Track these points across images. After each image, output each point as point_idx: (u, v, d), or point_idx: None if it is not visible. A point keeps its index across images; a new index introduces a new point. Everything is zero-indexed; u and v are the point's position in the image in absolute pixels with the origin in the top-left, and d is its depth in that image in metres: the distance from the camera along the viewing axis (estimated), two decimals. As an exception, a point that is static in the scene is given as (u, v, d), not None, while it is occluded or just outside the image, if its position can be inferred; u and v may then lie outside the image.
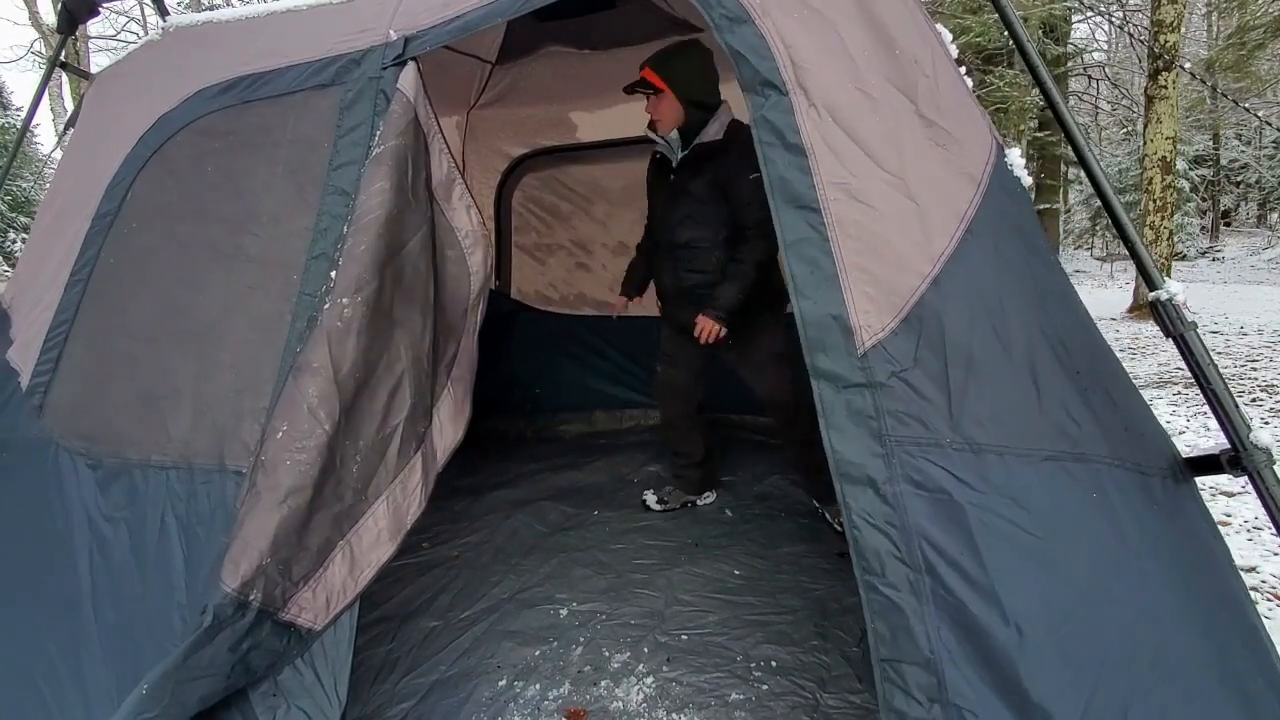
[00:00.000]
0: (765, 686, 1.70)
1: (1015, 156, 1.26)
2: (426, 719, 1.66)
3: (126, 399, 1.63)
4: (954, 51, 1.29)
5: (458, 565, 2.38)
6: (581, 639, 1.93)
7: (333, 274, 1.42)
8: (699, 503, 2.79)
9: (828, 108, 1.23)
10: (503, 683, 1.76)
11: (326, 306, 1.41)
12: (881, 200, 1.20)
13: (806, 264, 1.20)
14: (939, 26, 1.30)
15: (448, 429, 1.63)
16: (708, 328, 2.20)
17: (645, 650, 1.87)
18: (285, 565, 1.34)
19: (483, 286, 1.70)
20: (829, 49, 1.25)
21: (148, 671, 1.26)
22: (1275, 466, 1.10)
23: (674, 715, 1.63)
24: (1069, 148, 1.29)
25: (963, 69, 1.29)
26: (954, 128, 1.22)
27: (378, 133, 1.52)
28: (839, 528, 2.39)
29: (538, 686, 1.74)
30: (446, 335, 1.63)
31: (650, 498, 2.77)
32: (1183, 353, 1.17)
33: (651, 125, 2.33)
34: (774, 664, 1.79)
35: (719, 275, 2.25)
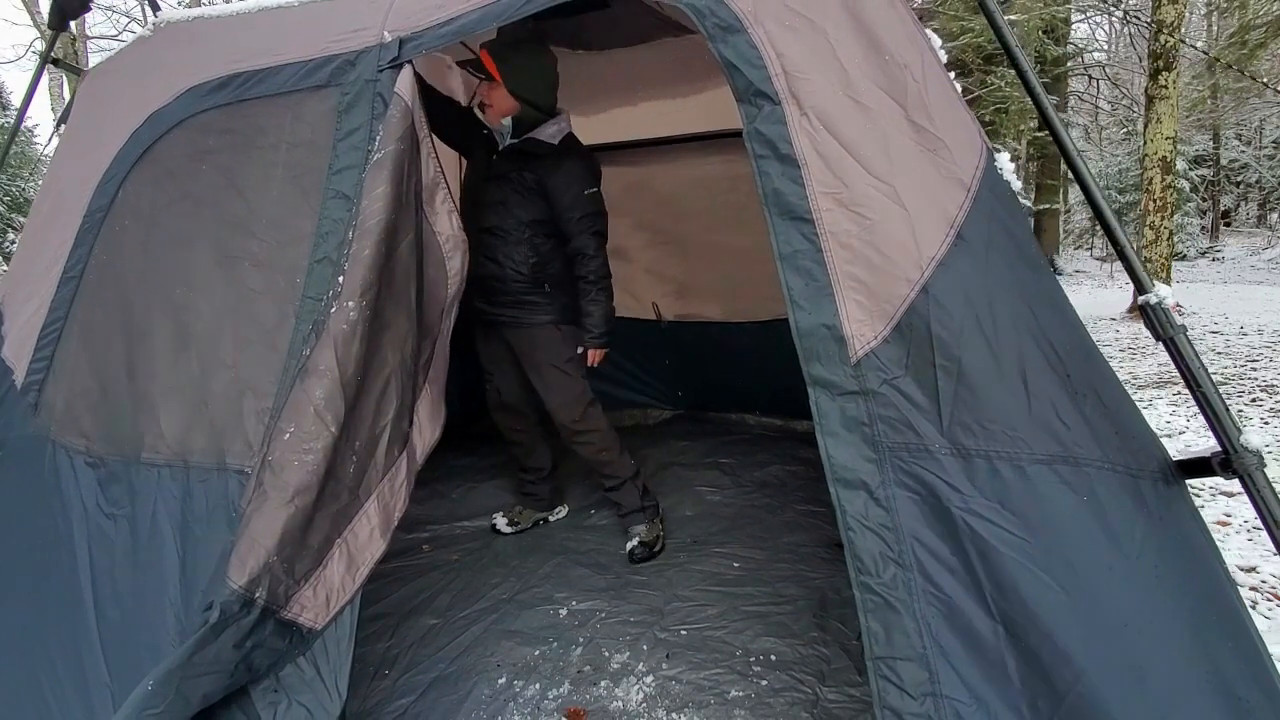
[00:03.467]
0: (764, 682, 1.72)
1: (1005, 161, 1.26)
2: (426, 716, 1.67)
3: (123, 397, 1.63)
4: (943, 56, 1.29)
5: (457, 566, 2.39)
6: (581, 638, 1.94)
7: (340, 278, 1.44)
8: (550, 519, 2.71)
9: (819, 116, 1.23)
10: (502, 681, 1.78)
11: (333, 310, 1.42)
12: (872, 208, 1.21)
13: (801, 275, 1.22)
14: (928, 31, 1.31)
15: (426, 428, 1.67)
16: (594, 355, 2.34)
17: (644, 648, 1.88)
18: (289, 563, 1.36)
19: (458, 291, 1.73)
20: (819, 56, 1.26)
21: (146, 668, 1.27)
22: (1266, 469, 1.11)
23: (674, 714, 1.64)
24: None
25: (952, 74, 1.29)
26: (943, 133, 1.22)
27: (376, 137, 1.52)
28: (656, 549, 2.40)
29: (537, 686, 1.76)
30: (424, 337, 1.66)
31: (500, 521, 2.66)
32: (1173, 356, 1.18)
33: (480, 108, 2.24)
34: (773, 658, 1.80)
35: (515, 271, 2.22)
